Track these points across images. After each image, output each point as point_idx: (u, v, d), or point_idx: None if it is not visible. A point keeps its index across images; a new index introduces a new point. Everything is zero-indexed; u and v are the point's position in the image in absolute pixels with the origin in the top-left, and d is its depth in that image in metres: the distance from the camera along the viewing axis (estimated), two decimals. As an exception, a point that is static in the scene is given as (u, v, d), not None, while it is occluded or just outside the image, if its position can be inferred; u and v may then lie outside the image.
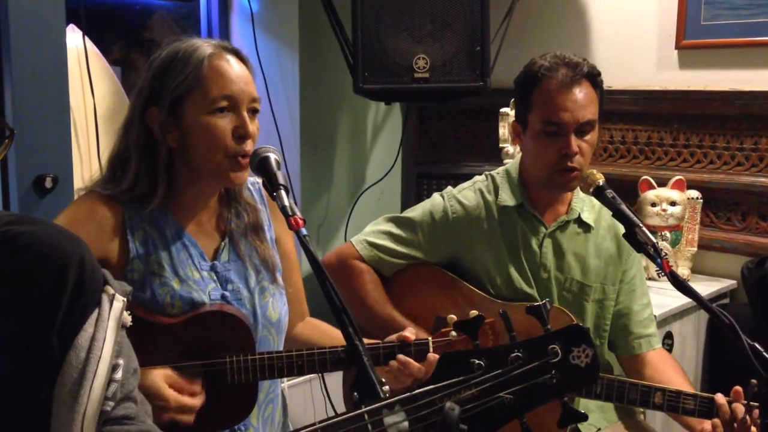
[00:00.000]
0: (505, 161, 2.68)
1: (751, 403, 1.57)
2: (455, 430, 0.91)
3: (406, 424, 0.93)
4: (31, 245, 1.07)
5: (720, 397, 1.60)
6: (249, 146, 1.44)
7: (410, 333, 1.54)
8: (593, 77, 1.77)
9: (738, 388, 1.60)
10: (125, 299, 1.13)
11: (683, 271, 2.72)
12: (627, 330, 1.89)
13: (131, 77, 2.84)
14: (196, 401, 1.38)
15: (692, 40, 2.80)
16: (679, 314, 2.51)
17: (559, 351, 0.98)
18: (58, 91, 1.99)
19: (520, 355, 0.97)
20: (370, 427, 0.92)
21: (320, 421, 0.92)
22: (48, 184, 1.96)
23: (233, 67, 1.44)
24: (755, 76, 2.69)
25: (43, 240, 1.08)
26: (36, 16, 1.93)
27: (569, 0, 3.08)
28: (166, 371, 1.36)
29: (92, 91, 2.40)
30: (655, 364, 1.86)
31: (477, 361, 0.96)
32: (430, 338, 1.55)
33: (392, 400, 0.94)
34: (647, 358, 1.88)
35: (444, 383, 0.95)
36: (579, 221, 1.89)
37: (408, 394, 0.95)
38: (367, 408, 0.93)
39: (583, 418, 1.00)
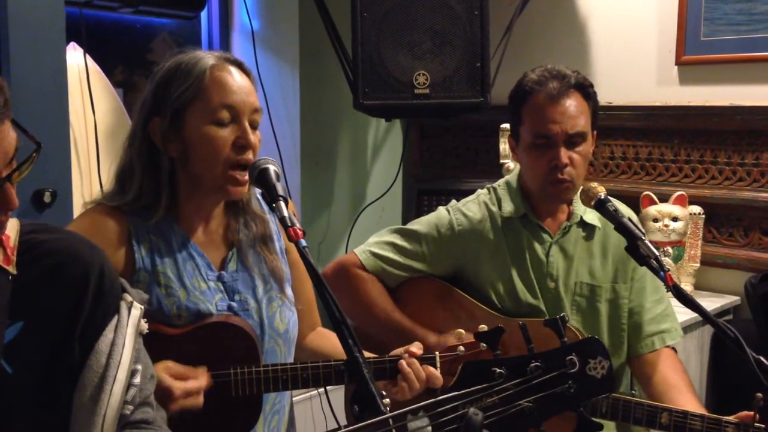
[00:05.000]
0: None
1: (756, 424, 1.55)
2: None
3: (429, 429, 0.96)
4: (52, 253, 1.10)
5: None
6: (250, 156, 1.44)
7: (417, 348, 1.53)
8: (583, 88, 1.78)
9: (748, 413, 1.57)
10: (142, 307, 1.17)
11: (686, 287, 2.70)
12: (638, 328, 1.87)
13: (134, 99, 2.85)
14: (201, 382, 1.37)
15: (692, 56, 2.81)
16: (683, 330, 2.48)
17: (576, 362, 1.02)
18: (58, 106, 1.99)
19: (539, 365, 1.01)
20: None
21: (345, 426, 0.95)
22: (47, 198, 1.95)
23: (235, 78, 1.45)
24: (755, 91, 2.69)
25: (64, 248, 1.11)
26: (36, 33, 1.94)
27: (569, 16, 3.10)
28: (165, 364, 1.36)
29: (93, 109, 2.41)
30: (662, 369, 1.82)
31: (498, 370, 1.00)
32: (437, 353, 1.54)
33: (417, 405, 0.96)
34: (654, 360, 1.84)
35: (466, 390, 0.99)
36: (582, 224, 1.88)
37: (432, 400, 0.97)
38: (392, 413, 0.94)
39: (598, 427, 1.03)
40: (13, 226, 1.09)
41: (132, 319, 1.13)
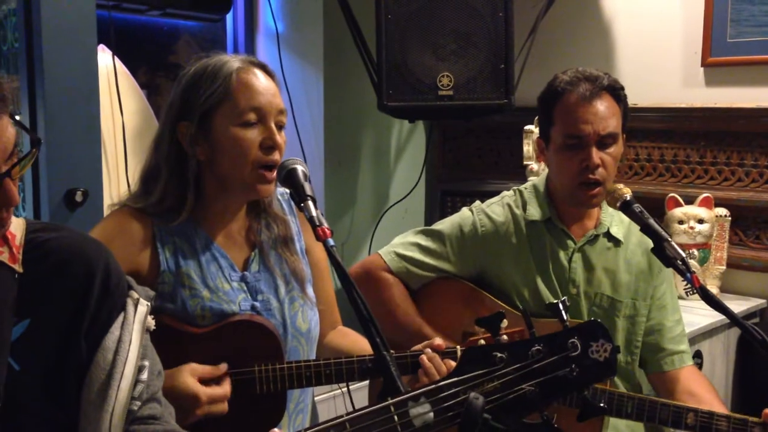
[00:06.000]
0: (530, 179, 2.67)
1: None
2: (479, 419, 0.94)
3: (431, 414, 0.96)
4: (57, 251, 1.11)
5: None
6: (277, 156, 1.47)
7: (439, 341, 1.54)
8: (614, 90, 1.78)
9: None
10: (149, 304, 1.17)
11: (712, 290, 2.68)
12: (658, 347, 1.87)
13: (156, 100, 2.88)
14: (226, 388, 1.39)
15: (718, 58, 2.79)
16: (708, 333, 2.48)
17: (578, 345, 1.01)
18: (89, 108, 2.03)
19: (540, 348, 1.00)
20: (396, 418, 0.94)
21: (348, 413, 0.94)
22: (78, 197, 1.98)
23: (260, 80, 1.47)
24: (782, 93, 2.67)
25: (69, 246, 1.12)
26: (69, 36, 1.98)
27: (594, 17, 3.09)
28: (191, 366, 1.38)
29: (121, 110, 2.44)
30: (686, 382, 1.82)
31: (499, 355, 0.99)
32: (458, 346, 1.55)
33: (418, 391, 0.96)
34: (678, 376, 1.85)
35: (468, 375, 0.98)
36: (608, 236, 1.88)
37: (433, 386, 0.97)
38: (394, 400, 0.95)
39: (603, 411, 1.02)
40: (18, 225, 1.10)
41: (138, 315, 1.14)
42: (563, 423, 1.05)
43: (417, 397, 0.96)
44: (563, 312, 1.03)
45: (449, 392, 0.97)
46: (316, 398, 1.90)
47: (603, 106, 1.75)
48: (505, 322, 1.58)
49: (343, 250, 3.15)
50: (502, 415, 0.97)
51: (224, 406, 1.39)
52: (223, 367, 1.41)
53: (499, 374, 0.98)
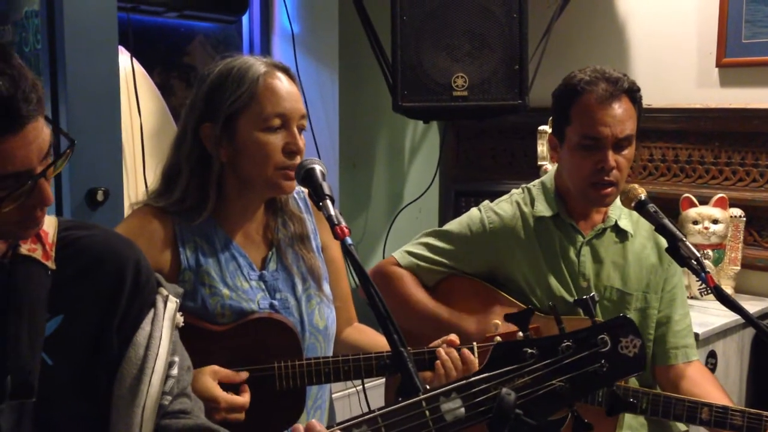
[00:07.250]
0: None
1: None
2: (511, 415, 0.95)
3: (462, 410, 0.97)
4: (89, 249, 1.13)
5: None
6: (298, 160, 1.49)
7: (454, 337, 1.56)
8: (632, 93, 1.78)
9: None
10: (178, 300, 1.19)
11: (726, 290, 2.66)
12: (664, 339, 1.87)
13: (170, 101, 2.91)
14: (246, 398, 1.42)
15: (733, 58, 2.78)
16: (723, 333, 2.47)
17: (608, 341, 1.02)
18: (110, 108, 2.06)
19: (570, 344, 1.01)
20: (428, 413, 0.95)
21: (379, 408, 0.95)
22: (99, 197, 2.02)
23: (285, 85, 1.49)
24: (798, 93, 2.66)
25: (101, 244, 1.14)
26: (90, 37, 2.01)
27: (608, 18, 3.09)
28: (213, 369, 1.40)
29: (139, 110, 2.47)
30: (692, 377, 1.82)
31: (529, 350, 1.00)
32: (475, 343, 1.56)
33: (449, 387, 0.97)
34: (683, 371, 1.84)
35: (499, 371, 0.99)
36: (616, 229, 1.88)
37: (464, 381, 0.98)
38: (425, 395, 0.96)
39: (632, 407, 1.03)
40: (50, 223, 1.12)
41: (168, 312, 1.16)
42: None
43: (448, 392, 0.97)
44: (592, 307, 1.04)
45: (480, 387, 0.98)
46: (332, 396, 1.92)
47: (621, 108, 1.75)
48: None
49: (358, 250, 3.17)
50: (533, 411, 0.98)
51: (241, 416, 1.41)
52: (244, 374, 1.43)
53: (530, 370, 0.99)
